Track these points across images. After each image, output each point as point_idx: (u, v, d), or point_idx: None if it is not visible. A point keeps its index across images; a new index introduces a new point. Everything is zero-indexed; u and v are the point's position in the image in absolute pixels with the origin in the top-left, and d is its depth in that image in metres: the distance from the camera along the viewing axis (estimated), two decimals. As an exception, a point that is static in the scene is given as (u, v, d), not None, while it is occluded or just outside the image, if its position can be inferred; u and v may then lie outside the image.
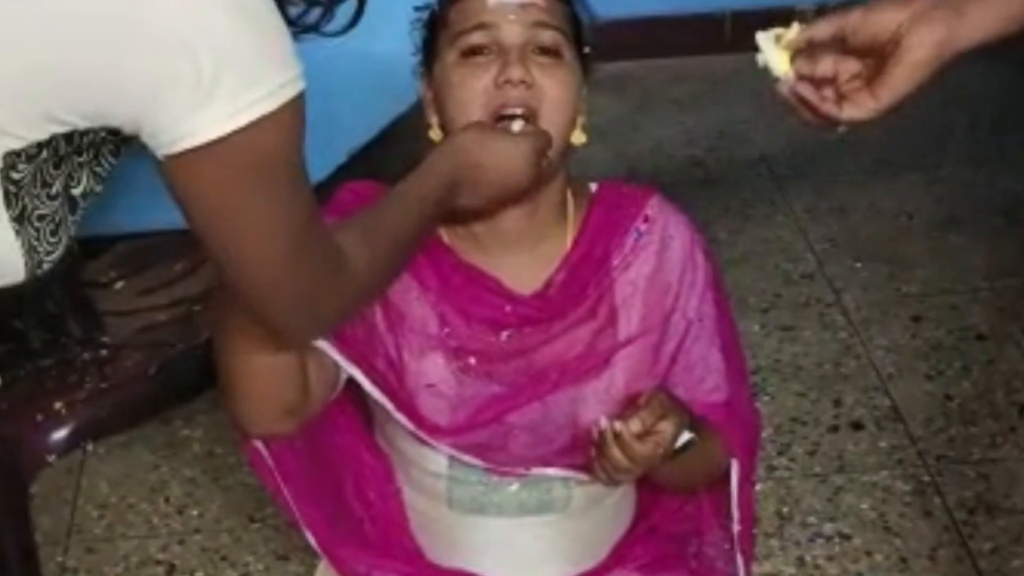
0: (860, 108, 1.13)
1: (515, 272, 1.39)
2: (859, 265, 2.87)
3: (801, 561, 2.15)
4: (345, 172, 2.24)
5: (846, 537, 2.19)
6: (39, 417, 2.12)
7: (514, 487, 1.43)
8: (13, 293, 1.12)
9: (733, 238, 2.99)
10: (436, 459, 1.43)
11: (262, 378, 1.27)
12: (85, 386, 2.17)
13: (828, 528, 2.20)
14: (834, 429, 2.42)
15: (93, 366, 2.21)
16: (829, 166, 3.25)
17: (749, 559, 1.53)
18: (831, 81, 1.14)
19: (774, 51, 1.16)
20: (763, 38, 1.17)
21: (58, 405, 2.12)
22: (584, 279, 1.41)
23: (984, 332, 2.64)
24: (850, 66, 1.14)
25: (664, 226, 1.43)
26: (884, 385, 2.51)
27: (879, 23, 1.11)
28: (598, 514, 1.49)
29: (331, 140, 2.26)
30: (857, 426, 2.42)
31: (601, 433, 1.30)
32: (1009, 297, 2.74)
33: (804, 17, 1.32)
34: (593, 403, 1.39)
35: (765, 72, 1.18)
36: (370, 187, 1.39)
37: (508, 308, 1.39)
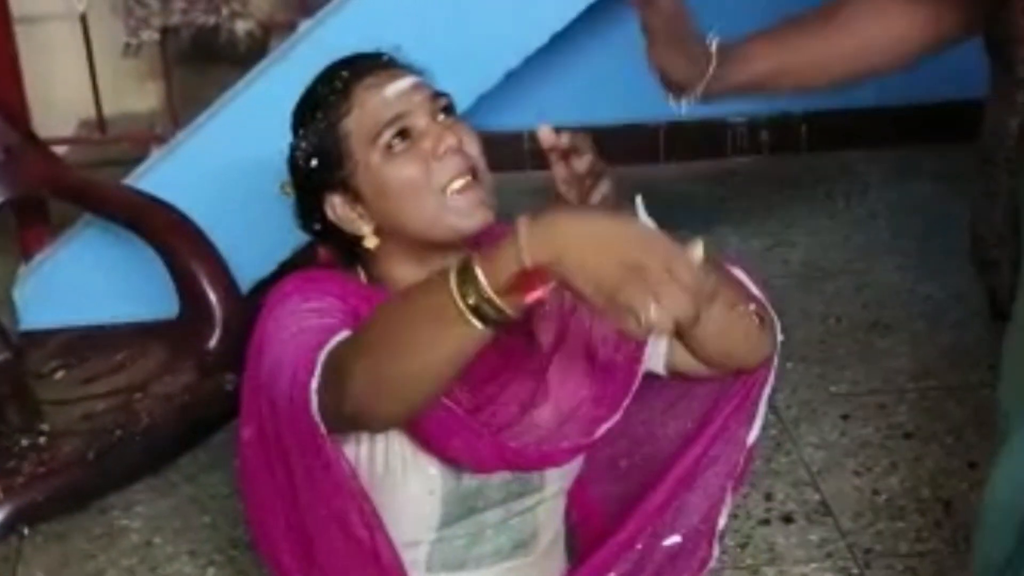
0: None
1: None
2: (790, 365, 2.94)
3: (733, 651, 2.18)
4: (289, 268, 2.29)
5: (777, 627, 2.22)
6: (-25, 502, 2.11)
7: (490, 533, 1.52)
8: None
9: (667, 339, 3.06)
10: (429, 520, 1.48)
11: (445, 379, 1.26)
12: (23, 471, 2.17)
13: (759, 619, 2.24)
14: (765, 522, 2.46)
15: (32, 452, 2.22)
16: (762, 271, 3.33)
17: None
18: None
19: None
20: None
21: (-6, 490, 2.12)
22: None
23: (910, 430, 2.71)
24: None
25: None
26: (814, 480, 2.57)
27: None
28: (552, 556, 1.63)
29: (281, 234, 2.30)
30: (788, 519, 2.47)
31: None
32: (933, 397, 2.81)
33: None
34: (551, 409, 1.50)
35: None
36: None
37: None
